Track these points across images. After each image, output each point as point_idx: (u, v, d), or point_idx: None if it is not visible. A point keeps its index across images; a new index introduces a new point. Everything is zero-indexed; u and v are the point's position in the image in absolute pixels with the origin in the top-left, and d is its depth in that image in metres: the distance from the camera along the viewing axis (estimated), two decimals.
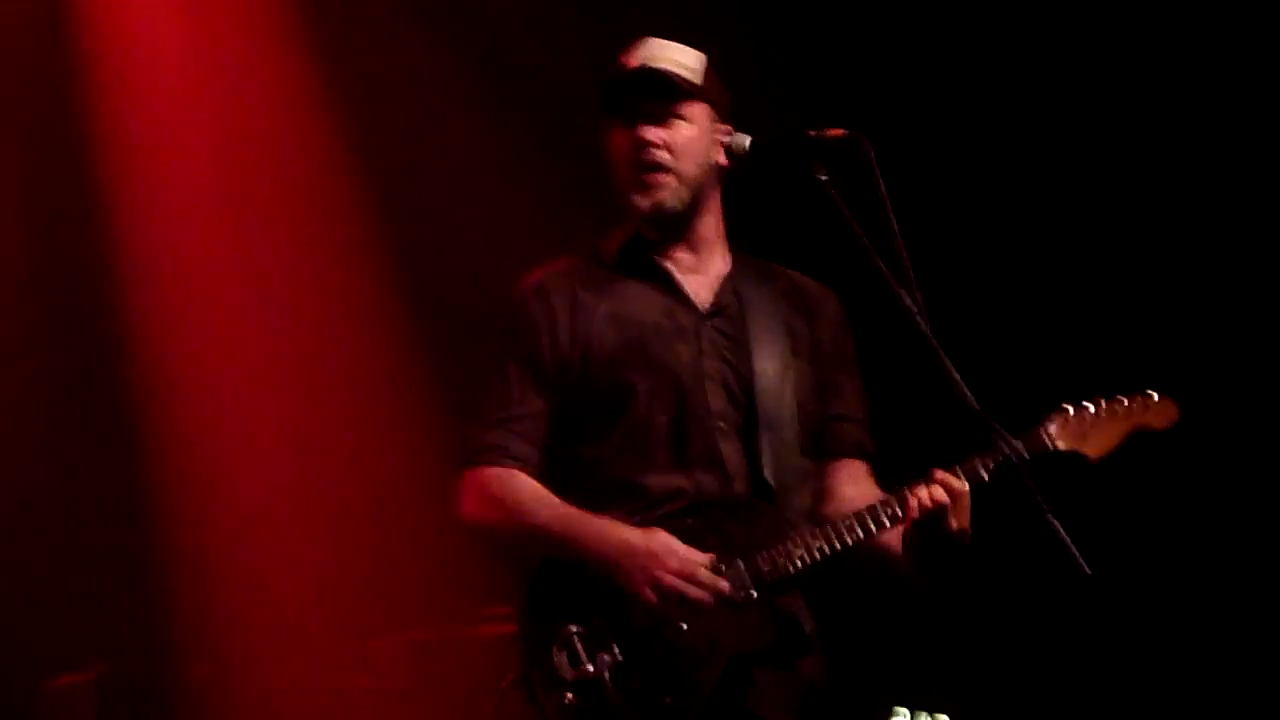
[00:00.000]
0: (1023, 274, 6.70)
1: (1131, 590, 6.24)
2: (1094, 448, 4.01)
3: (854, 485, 4.11)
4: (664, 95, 4.01)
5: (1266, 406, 6.38)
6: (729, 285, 4.10)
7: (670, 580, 3.82)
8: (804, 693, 3.98)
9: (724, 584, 3.83)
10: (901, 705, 5.73)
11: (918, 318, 3.70)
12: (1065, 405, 4.05)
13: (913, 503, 3.83)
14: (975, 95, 6.73)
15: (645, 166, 4.00)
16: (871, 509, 3.90)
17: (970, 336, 4.40)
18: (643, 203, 4.02)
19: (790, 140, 3.91)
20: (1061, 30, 6.65)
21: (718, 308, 4.07)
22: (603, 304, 4.03)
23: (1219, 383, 6.30)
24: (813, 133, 3.88)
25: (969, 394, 3.63)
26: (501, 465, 3.97)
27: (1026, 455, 3.82)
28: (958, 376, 3.64)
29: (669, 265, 4.08)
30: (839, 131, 3.86)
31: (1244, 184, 6.44)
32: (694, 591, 3.83)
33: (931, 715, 6.15)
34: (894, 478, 4.10)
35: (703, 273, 4.10)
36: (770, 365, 4.04)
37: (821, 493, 4.10)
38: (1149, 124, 6.58)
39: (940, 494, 3.82)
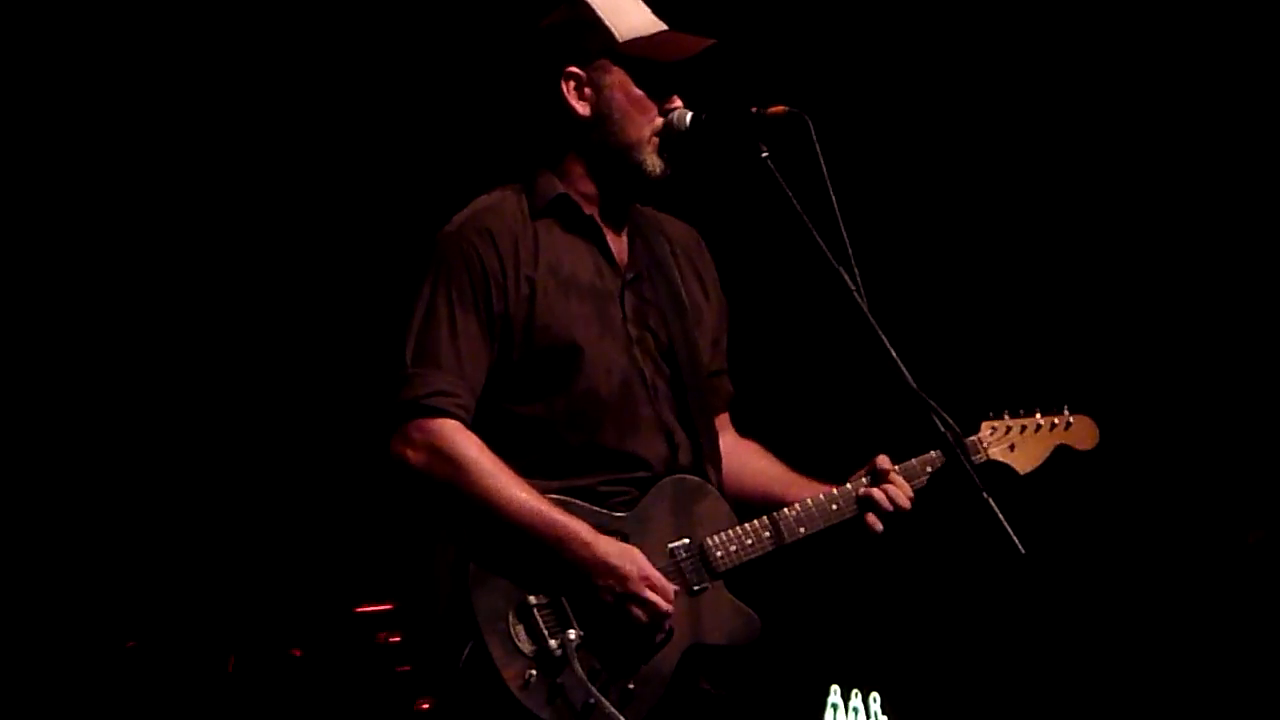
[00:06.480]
0: (967, 260, 6.76)
1: (1064, 571, 6.31)
2: (1020, 463, 4.19)
3: (726, 437, 4.14)
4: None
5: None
6: (635, 244, 4.05)
7: (648, 597, 3.79)
8: (753, 675, 4.00)
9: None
10: (836, 684, 5.76)
11: (857, 296, 3.69)
12: (994, 414, 4.21)
13: (881, 499, 4.00)
14: (928, 82, 6.75)
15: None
16: (822, 508, 3.99)
17: (910, 319, 4.41)
18: (658, 169, 3.95)
19: (733, 116, 3.87)
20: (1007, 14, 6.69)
21: (635, 271, 4.03)
22: (542, 256, 3.93)
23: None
24: (755, 109, 3.84)
25: (907, 373, 3.63)
26: (454, 417, 3.81)
27: (963, 435, 3.83)
28: (896, 355, 3.64)
29: (600, 222, 4.02)
30: (781, 108, 3.81)
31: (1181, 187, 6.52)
32: (665, 608, 3.81)
33: (864, 694, 6.17)
34: (833, 458, 4.12)
35: (618, 231, 4.05)
36: (683, 331, 4.02)
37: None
38: (1097, 117, 6.63)
39: (900, 498, 3.99)
